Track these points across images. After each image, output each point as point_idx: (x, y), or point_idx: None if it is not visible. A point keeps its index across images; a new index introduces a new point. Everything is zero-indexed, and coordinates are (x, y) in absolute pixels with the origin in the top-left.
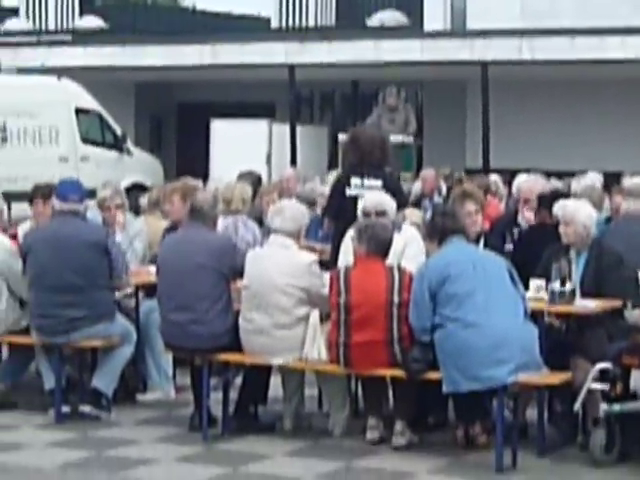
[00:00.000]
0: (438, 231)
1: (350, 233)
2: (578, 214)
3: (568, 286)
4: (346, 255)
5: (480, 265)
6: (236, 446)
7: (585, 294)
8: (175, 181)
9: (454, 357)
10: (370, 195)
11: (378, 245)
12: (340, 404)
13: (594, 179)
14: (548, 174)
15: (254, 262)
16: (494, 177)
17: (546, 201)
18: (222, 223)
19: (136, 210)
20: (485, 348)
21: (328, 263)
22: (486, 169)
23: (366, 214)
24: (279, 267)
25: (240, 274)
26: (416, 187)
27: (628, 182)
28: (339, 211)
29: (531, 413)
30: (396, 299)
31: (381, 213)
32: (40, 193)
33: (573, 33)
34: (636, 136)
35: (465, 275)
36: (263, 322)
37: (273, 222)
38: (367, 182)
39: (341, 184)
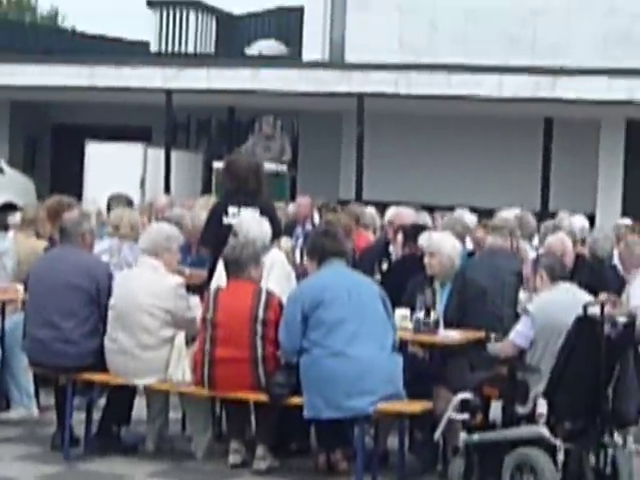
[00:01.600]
0: (318, 251)
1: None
2: (443, 245)
3: (432, 316)
4: (219, 280)
5: (356, 292)
6: (98, 466)
7: (448, 325)
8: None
9: (318, 384)
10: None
11: (244, 267)
12: (203, 427)
13: (461, 213)
14: (420, 207)
15: (122, 282)
16: (370, 209)
17: (411, 233)
18: (108, 243)
19: (5, 228)
20: (350, 378)
21: (199, 288)
22: (359, 200)
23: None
24: (145, 288)
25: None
26: (290, 211)
27: (494, 218)
28: (215, 239)
29: (392, 441)
30: (260, 316)
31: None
32: None
33: (450, 69)
34: (509, 173)
35: (339, 302)
36: (127, 343)
37: (141, 243)
38: (244, 211)
39: (218, 212)
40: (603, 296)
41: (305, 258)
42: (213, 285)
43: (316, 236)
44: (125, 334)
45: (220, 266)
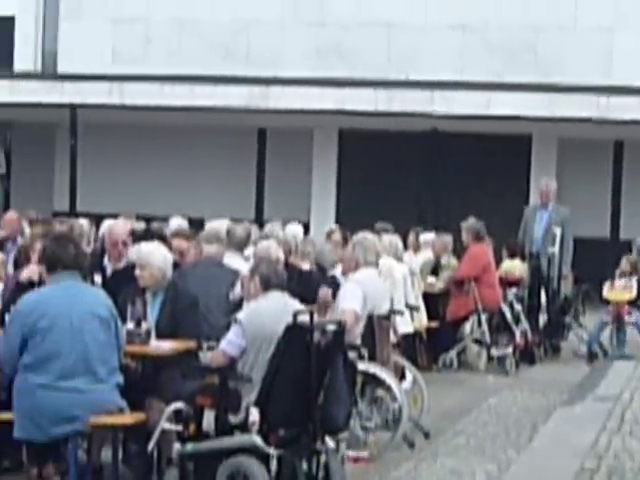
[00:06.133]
0: (48, 260)
1: None
2: (153, 257)
3: (143, 327)
4: None
5: (78, 319)
6: None
7: (161, 335)
8: None
9: (28, 410)
10: None
11: None
12: None
13: (178, 223)
14: (137, 218)
15: None
16: (83, 221)
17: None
18: None
19: None
20: (58, 409)
21: None
22: (73, 212)
23: None
24: None
25: None
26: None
27: (206, 228)
28: None
29: (106, 454)
30: None
31: None
32: None
33: (164, 80)
34: (223, 182)
35: (58, 332)
36: None
37: None
38: None
39: None
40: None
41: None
42: None
43: (49, 243)
44: None
45: None
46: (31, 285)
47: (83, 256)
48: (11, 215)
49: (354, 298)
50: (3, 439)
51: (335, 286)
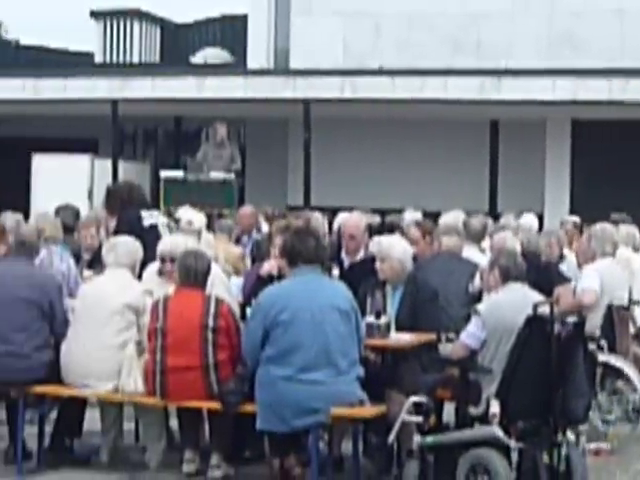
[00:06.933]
0: (290, 254)
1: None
2: (393, 250)
3: (383, 320)
4: (146, 284)
5: (319, 312)
6: (51, 479)
7: (400, 328)
8: None
9: (270, 401)
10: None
11: (195, 275)
12: (156, 436)
13: (413, 216)
14: (372, 212)
15: (90, 286)
16: (317, 214)
17: (376, 233)
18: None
19: None
20: (300, 401)
21: None
22: (307, 206)
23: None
24: (117, 290)
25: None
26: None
27: (442, 220)
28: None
29: (346, 445)
30: (210, 323)
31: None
32: None
33: (394, 74)
34: (455, 175)
35: (299, 324)
36: (89, 344)
37: (107, 258)
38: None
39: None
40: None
41: (280, 258)
42: (140, 289)
43: (290, 237)
44: (87, 336)
45: (149, 270)
46: (271, 279)
47: (323, 250)
48: (246, 210)
49: (593, 280)
50: (245, 430)
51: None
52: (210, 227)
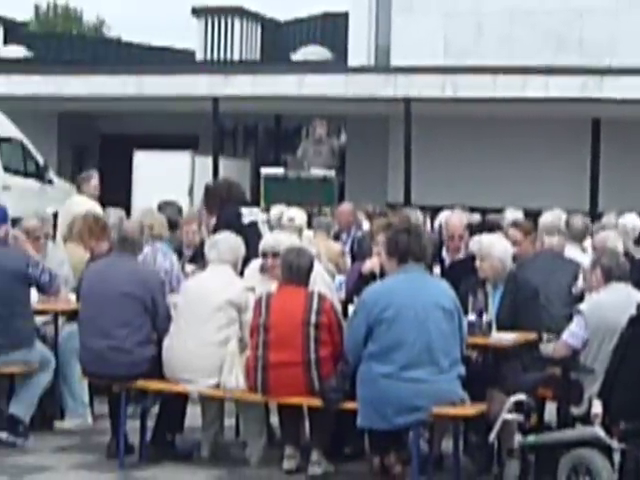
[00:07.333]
0: (398, 250)
1: (253, 262)
2: (493, 249)
3: (485, 318)
4: (249, 281)
5: (422, 310)
6: (152, 474)
7: (501, 327)
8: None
9: (371, 398)
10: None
11: (298, 272)
12: (257, 433)
13: (514, 215)
14: (471, 210)
15: (193, 283)
16: (416, 212)
17: (477, 232)
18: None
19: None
20: (402, 399)
21: None
22: (408, 204)
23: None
24: (219, 287)
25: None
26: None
27: (544, 218)
28: None
29: (447, 444)
30: (313, 319)
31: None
32: None
33: (496, 71)
34: (556, 174)
35: (403, 322)
36: (191, 340)
37: (210, 254)
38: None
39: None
40: None
41: (386, 256)
42: (242, 285)
43: (396, 233)
44: (189, 332)
45: (252, 267)
46: (373, 277)
47: (428, 248)
48: (344, 207)
49: None
50: (346, 427)
51: None
52: (309, 224)
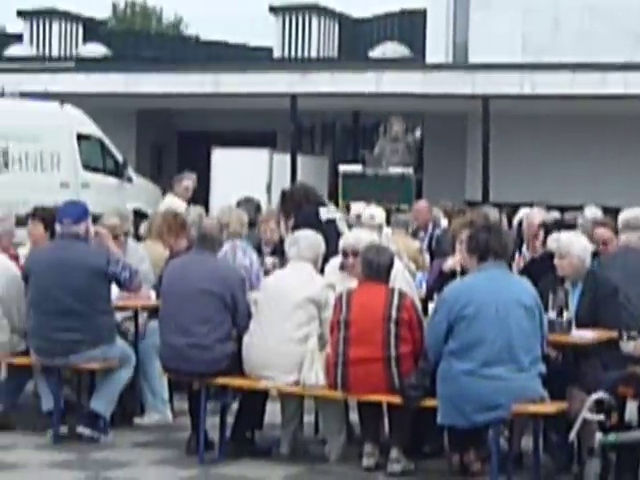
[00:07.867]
0: (479, 247)
1: (333, 260)
2: (572, 247)
3: (565, 316)
4: (328, 278)
5: (503, 307)
6: (232, 470)
7: (581, 324)
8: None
9: (451, 396)
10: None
11: (378, 269)
12: (337, 430)
13: (593, 212)
14: (548, 208)
15: (273, 280)
16: (493, 210)
17: (552, 230)
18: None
19: (136, 236)
20: (482, 396)
21: None
22: (486, 202)
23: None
24: (300, 284)
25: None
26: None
27: (625, 215)
28: None
29: (526, 442)
30: (394, 315)
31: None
32: (37, 215)
33: (574, 68)
34: (635, 171)
35: (484, 319)
36: (271, 337)
37: (290, 252)
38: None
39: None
40: None
41: (468, 253)
42: (322, 283)
43: (478, 231)
44: (269, 329)
45: (332, 264)
46: (453, 274)
47: (509, 245)
48: (421, 205)
49: None
50: (425, 425)
51: None
52: (388, 222)
